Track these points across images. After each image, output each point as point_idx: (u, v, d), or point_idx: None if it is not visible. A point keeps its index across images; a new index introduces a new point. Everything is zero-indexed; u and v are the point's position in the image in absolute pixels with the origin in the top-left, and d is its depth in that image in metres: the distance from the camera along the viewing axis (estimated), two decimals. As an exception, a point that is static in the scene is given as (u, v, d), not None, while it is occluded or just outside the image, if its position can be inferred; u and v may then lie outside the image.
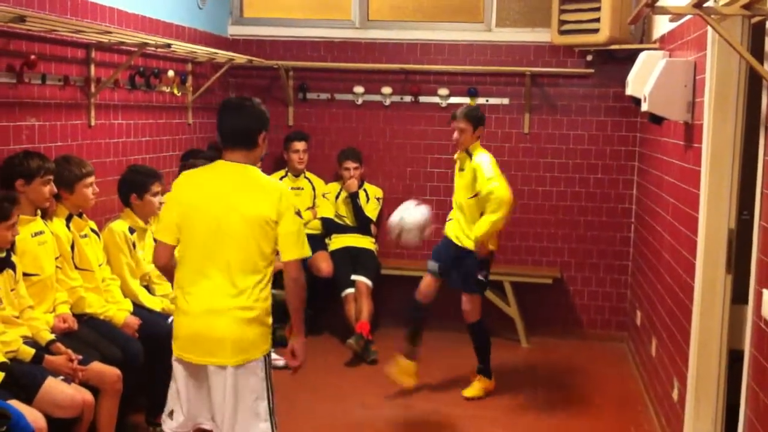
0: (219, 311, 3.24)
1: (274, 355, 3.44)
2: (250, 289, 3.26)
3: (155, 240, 3.52)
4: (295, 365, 3.52)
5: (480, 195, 5.09)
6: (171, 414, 3.40)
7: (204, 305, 3.26)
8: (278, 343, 4.48)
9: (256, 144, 3.38)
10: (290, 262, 3.35)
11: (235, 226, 3.26)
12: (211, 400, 3.30)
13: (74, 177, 4.30)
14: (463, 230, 5.24)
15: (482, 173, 5.08)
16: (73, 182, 4.29)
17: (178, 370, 3.37)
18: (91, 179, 4.39)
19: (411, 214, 5.22)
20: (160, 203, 4.81)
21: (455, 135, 5.27)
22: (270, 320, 3.36)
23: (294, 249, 3.33)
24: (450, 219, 5.42)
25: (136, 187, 4.75)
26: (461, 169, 5.32)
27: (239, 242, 3.26)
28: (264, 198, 3.29)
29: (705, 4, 3.11)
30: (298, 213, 3.37)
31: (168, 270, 3.49)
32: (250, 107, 3.40)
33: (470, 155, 5.23)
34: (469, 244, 5.19)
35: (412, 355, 5.41)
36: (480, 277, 5.27)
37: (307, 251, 3.39)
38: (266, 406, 3.30)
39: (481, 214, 5.12)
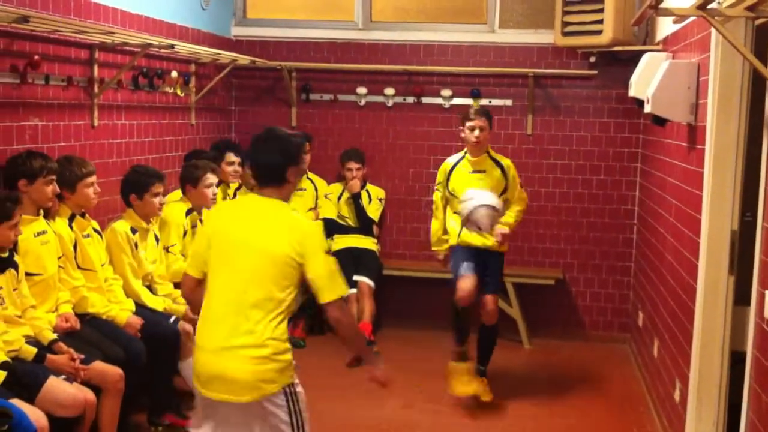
0: (230, 349, 3.16)
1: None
2: (263, 326, 3.15)
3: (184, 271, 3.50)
4: (385, 386, 3.58)
5: (510, 198, 5.25)
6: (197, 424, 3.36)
7: (216, 342, 3.18)
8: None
9: (284, 180, 3.29)
10: (330, 304, 3.24)
11: (253, 262, 3.18)
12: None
13: (75, 177, 4.30)
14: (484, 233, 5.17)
15: (517, 177, 5.30)
16: (75, 182, 4.30)
17: (201, 400, 3.33)
18: (93, 179, 4.39)
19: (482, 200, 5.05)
20: (161, 204, 4.81)
21: (477, 134, 5.18)
22: (288, 356, 3.23)
23: (328, 291, 3.24)
24: (457, 236, 5.30)
25: (136, 187, 4.75)
26: (478, 171, 5.26)
27: (256, 279, 3.17)
28: (286, 236, 3.20)
29: (709, 6, 3.11)
30: (329, 252, 3.29)
31: (191, 302, 3.52)
32: (276, 141, 3.31)
33: (491, 156, 5.27)
34: (493, 244, 5.19)
35: (465, 357, 5.37)
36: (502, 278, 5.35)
37: (342, 290, 3.31)
38: None
39: None
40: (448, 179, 5.32)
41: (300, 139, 3.40)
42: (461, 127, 5.32)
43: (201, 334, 3.26)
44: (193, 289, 3.40)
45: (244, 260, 3.20)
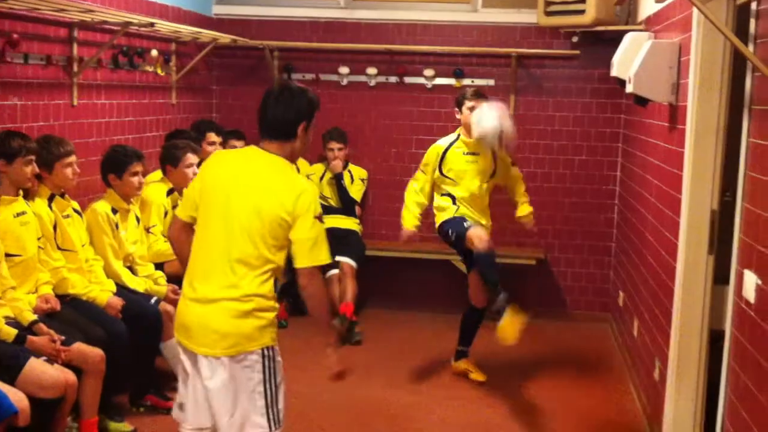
0: (214, 301, 3.11)
1: None
2: (249, 281, 3.10)
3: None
4: (336, 373, 3.42)
5: (503, 180, 5.46)
6: (182, 406, 3.27)
7: (201, 293, 3.13)
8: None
9: (293, 135, 3.18)
10: (302, 269, 3.14)
11: (244, 217, 3.10)
12: (208, 396, 3.17)
13: (53, 157, 4.25)
14: (478, 221, 5.25)
15: (507, 157, 5.37)
16: (53, 162, 4.25)
17: (180, 353, 3.25)
18: (71, 159, 4.34)
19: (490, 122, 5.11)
20: (140, 183, 4.77)
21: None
22: (272, 315, 3.18)
23: (307, 256, 3.12)
24: (454, 211, 5.27)
25: (115, 166, 4.70)
26: (473, 153, 5.27)
27: (245, 235, 3.10)
28: (282, 195, 3.11)
29: (690, -14, 3.11)
30: (319, 217, 3.15)
31: (172, 244, 3.42)
32: (291, 94, 3.21)
33: None
34: (487, 223, 5.37)
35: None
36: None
37: (322, 259, 3.16)
38: (263, 403, 3.15)
39: None
40: (441, 161, 5.27)
41: (315, 96, 3.29)
42: (456, 109, 5.32)
43: (187, 284, 3.20)
44: (179, 230, 3.33)
45: (235, 215, 3.11)
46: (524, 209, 5.54)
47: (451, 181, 5.25)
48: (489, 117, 5.09)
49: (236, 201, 3.12)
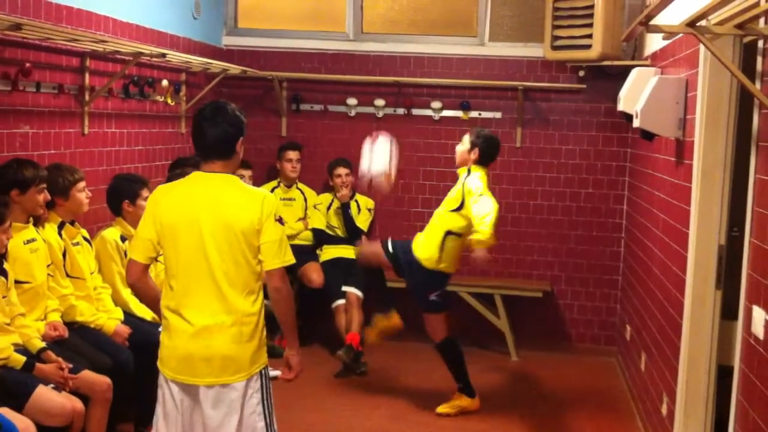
0: (210, 329, 3.13)
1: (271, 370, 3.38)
2: (241, 304, 3.15)
3: (128, 257, 3.40)
4: (289, 378, 3.45)
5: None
6: None
7: (196, 324, 3.14)
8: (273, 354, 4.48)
9: (233, 152, 3.25)
10: (273, 271, 3.22)
11: (220, 238, 3.14)
12: (205, 423, 3.18)
13: (68, 182, 4.31)
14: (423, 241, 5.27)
15: (468, 191, 5.06)
16: (68, 187, 4.31)
17: (168, 392, 3.23)
18: (83, 184, 4.42)
19: (377, 160, 5.31)
20: None
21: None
22: (264, 333, 3.27)
23: (276, 257, 3.21)
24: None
25: (127, 194, 4.76)
26: (453, 182, 5.36)
27: (226, 255, 3.14)
28: (248, 206, 3.18)
29: (698, 24, 3.14)
30: (279, 220, 3.25)
31: (138, 289, 3.40)
32: (224, 114, 3.23)
33: (469, 170, 5.21)
34: (424, 257, 5.24)
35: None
36: (433, 297, 5.24)
37: (289, 259, 3.27)
38: (263, 423, 3.21)
39: (449, 233, 5.17)
40: None
41: (241, 109, 3.32)
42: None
43: (174, 320, 3.19)
44: (141, 273, 3.29)
45: (210, 239, 3.14)
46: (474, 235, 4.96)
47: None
48: (379, 159, 5.26)
49: (207, 226, 3.15)
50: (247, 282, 3.19)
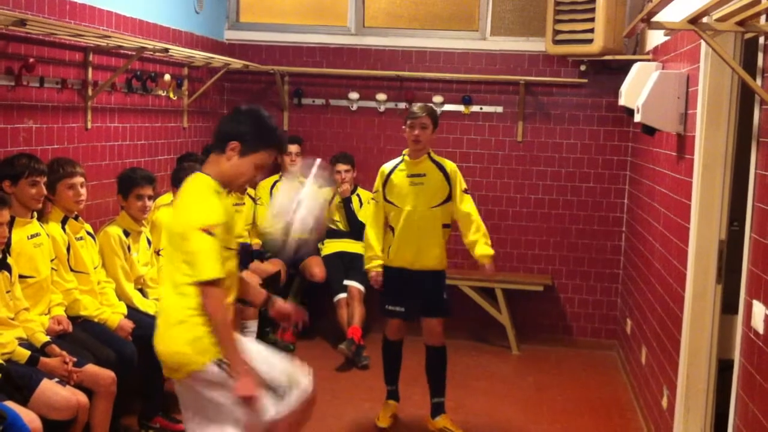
0: (159, 326, 3.25)
1: None
2: (180, 302, 3.13)
3: None
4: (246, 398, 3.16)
5: (455, 206, 4.81)
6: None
7: (158, 320, 3.29)
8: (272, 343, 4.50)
9: (223, 149, 3.16)
10: (195, 284, 3.08)
11: (167, 242, 3.29)
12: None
13: (55, 177, 4.27)
14: (420, 249, 4.80)
15: (461, 180, 4.84)
16: (55, 182, 4.27)
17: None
18: (74, 180, 4.33)
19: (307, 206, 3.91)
20: (143, 206, 4.74)
21: (417, 133, 4.72)
22: (207, 329, 3.09)
23: (191, 270, 3.06)
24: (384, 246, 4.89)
25: (122, 186, 4.75)
26: (418, 175, 4.81)
27: (168, 256, 3.24)
28: (180, 210, 3.19)
29: (699, 20, 3.15)
30: (207, 231, 3.02)
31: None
32: (239, 112, 3.25)
33: (431, 158, 4.87)
34: (433, 264, 4.86)
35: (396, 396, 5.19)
36: (445, 296, 4.99)
37: (204, 275, 3.01)
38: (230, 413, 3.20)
39: (445, 225, 4.84)
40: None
41: (273, 128, 3.24)
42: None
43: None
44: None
45: (167, 239, 3.30)
46: (481, 249, 4.86)
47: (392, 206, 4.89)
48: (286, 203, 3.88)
49: (166, 229, 3.41)
50: (183, 283, 3.11)
